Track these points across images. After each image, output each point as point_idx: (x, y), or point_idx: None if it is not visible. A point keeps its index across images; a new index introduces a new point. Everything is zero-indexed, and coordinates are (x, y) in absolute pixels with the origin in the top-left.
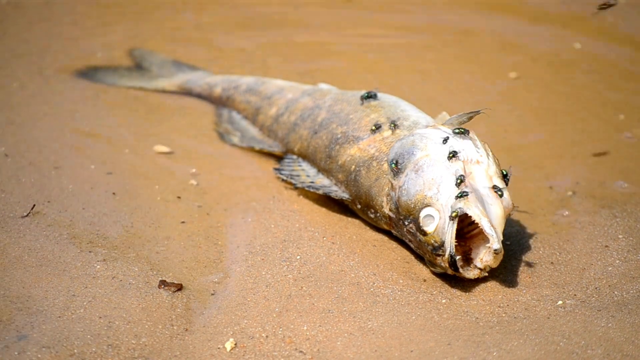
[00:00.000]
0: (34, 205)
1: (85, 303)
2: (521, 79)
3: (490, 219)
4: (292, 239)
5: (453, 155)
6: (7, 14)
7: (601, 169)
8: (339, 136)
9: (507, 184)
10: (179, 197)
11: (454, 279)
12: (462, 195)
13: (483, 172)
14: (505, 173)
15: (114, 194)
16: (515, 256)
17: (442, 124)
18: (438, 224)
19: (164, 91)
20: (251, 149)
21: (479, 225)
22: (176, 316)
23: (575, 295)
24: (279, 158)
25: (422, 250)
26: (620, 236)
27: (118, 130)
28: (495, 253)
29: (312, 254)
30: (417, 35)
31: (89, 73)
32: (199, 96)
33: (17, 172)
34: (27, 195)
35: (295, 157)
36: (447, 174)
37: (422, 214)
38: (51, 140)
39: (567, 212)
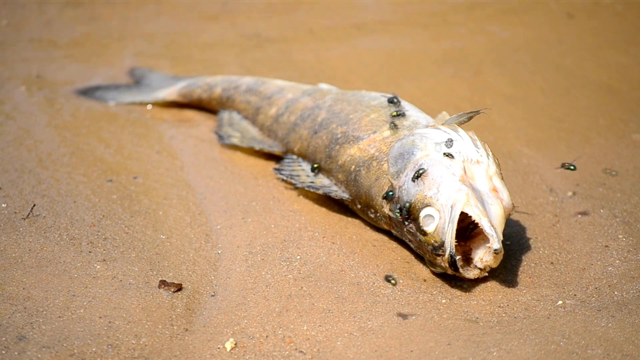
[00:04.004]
0: (34, 205)
1: (85, 303)
2: (523, 82)
3: (491, 219)
4: (292, 239)
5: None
6: (7, 35)
7: (601, 169)
8: (339, 136)
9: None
10: (179, 198)
11: (454, 279)
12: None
13: (483, 172)
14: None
15: (114, 196)
16: (515, 256)
17: (442, 124)
18: (438, 224)
19: (164, 102)
20: (251, 149)
21: (479, 225)
22: (176, 316)
23: (575, 295)
24: (279, 158)
25: (422, 250)
26: (620, 236)
27: (117, 139)
28: (495, 253)
29: (312, 254)
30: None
31: (89, 91)
32: (199, 101)
33: (18, 177)
34: (27, 197)
35: (295, 157)
36: (447, 173)
37: (422, 214)
38: (51, 154)
39: None
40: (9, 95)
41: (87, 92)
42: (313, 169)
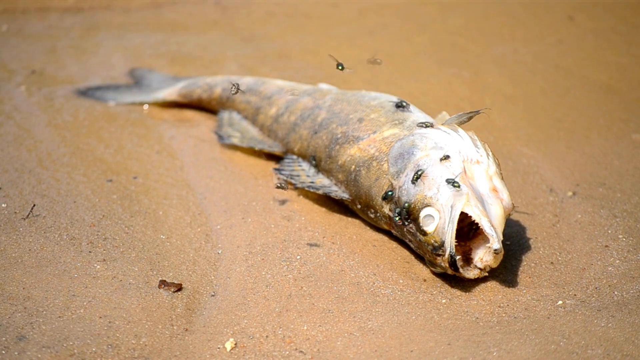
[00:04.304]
0: (34, 205)
1: (85, 303)
2: (521, 83)
3: (491, 219)
4: (292, 239)
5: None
6: (6, 40)
7: (601, 169)
8: (339, 136)
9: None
10: (179, 198)
11: (454, 279)
12: (453, 183)
13: (483, 172)
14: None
15: (114, 196)
16: (515, 256)
17: (442, 124)
18: (438, 224)
19: (164, 102)
20: (251, 149)
21: (479, 225)
22: (176, 316)
23: (575, 295)
24: (279, 158)
25: (422, 250)
26: (620, 236)
27: (117, 139)
28: (495, 253)
29: (312, 254)
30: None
31: (89, 92)
32: (199, 101)
33: (18, 177)
34: (27, 197)
35: (295, 157)
36: (447, 173)
37: (422, 214)
38: (51, 154)
39: None
40: (9, 95)
41: (87, 93)
42: (312, 161)
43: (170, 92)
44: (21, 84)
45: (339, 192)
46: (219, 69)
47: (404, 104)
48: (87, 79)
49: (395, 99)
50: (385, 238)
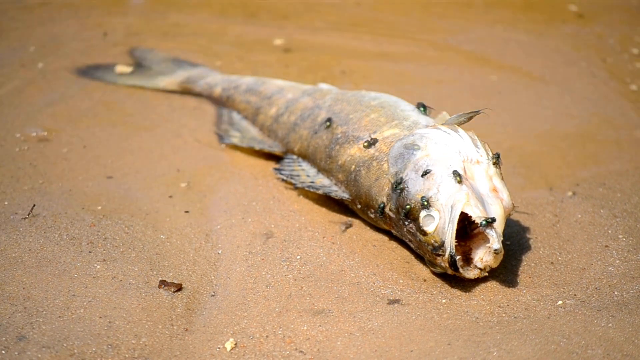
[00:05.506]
0: (34, 206)
1: (85, 303)
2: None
3: None
4: (292, 239)
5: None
6: (5, 12)
7: (601, 169)
8: (339, 136)
9: None
10: (180, 199)
11: (454, 279)
12: (458, 176)
13: (483, 172)
14: None
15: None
16: (515, 256)
17: (442, 124)
18: (438, 224)
19: (164, 90)
20: (251, 149)
21: (479, 225)
22: (176, 316)
23: (575, 295)
24: (279, 158)
25: (422, 250)
26: (620, 236)
27: (116, 130)
28: (495, 253)
29: (312, 254)
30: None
31: (89, 71)
32: (200, 95)
33: (17, 173)
34: (27, 196)
35: (295, 157)
36: (447, 173)
37: (422, 214)
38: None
39: None
40: (7, 80)
41: (87, 72)
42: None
43: (170, 83)
44: (21, 74)
45: (339, 192)
46: (219, 49)
47: (424, 105)
48: (87, 58)
49: (394, 99)
50: (385, 238)
